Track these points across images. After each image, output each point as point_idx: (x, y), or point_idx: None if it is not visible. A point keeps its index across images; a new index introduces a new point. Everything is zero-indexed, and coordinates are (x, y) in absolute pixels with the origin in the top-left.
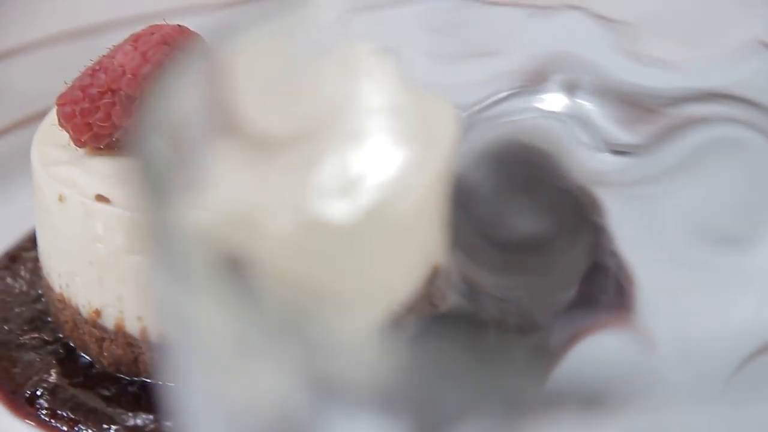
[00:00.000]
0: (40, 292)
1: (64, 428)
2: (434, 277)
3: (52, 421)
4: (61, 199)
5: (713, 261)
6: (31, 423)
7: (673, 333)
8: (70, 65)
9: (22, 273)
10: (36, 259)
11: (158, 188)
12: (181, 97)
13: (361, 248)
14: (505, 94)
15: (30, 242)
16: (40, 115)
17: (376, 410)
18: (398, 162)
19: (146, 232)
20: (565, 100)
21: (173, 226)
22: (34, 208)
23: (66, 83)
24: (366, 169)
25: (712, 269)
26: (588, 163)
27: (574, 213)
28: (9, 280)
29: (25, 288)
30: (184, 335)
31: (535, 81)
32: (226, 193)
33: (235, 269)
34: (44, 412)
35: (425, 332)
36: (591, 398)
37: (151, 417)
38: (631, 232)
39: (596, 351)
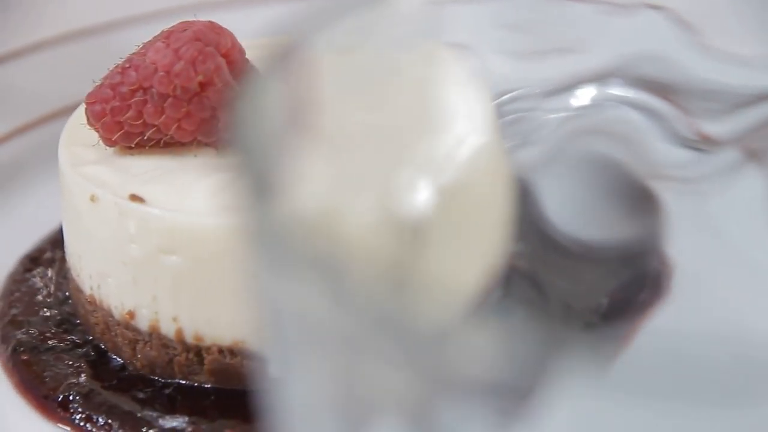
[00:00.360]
0: (67, 294)
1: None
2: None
3: (87, 425)
4: (92, 199)
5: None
6: (65, 428)
7: (726, 332)
8: (80, 65)
9: (48, 275)
10: (59, 261)
11: (257, 187)
12: (268, 97)
13: (440, 238)
14: (579, 90)
15: (50, 243)
16: (53, 116)
17: (482, 397)
18: (472, 154)
19: (248, 230)
20: (638, 96)
21: (274, 223)
22: (61, 209)
23: (94, 81)
24: (443, 161)
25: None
26: (657, 158)
27: (635, 221)
28: (33, 282)
29: (51, 290)
30: (293, 332)
31: (611, 78)
32: (313, 189)
33: (331, 265)
34: (78, 416)
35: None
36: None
37: (186, 419)
38: (690, 229)
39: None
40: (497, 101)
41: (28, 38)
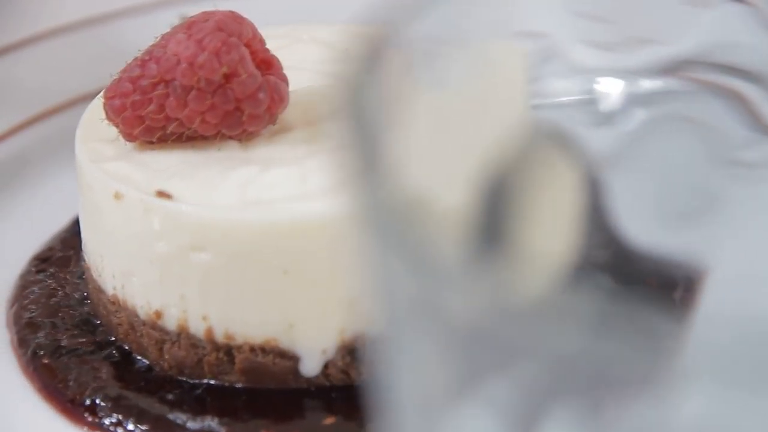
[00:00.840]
0: (85, 294)
1: None
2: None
3: (118, 430)
4: (116, 196)
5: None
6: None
7: None
8: (82, 57)
9: (63, 275)
10: (73, 260)
11: (369, 167)
12: (368, 82)
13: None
14: (659, 77)
15: (60, 242)
16: (57, 109)
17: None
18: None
19: (362, 210)
20: (718, 82)
21: (386, 203)
22: (78, 207)
23: (112, 75)
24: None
25: None
26: (736, 143)
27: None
28: (46, 282)
29: (67, 290)
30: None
31: (691, 65)
32: (411, 171)
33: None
34: (108, 421)
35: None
36: None
37: (219, 420)
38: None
39: None
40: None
41: (28, 30)
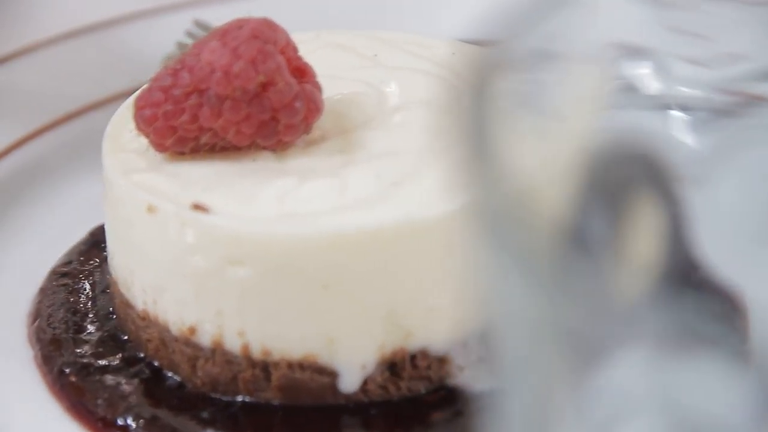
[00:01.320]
0: (110, 309)
1: None
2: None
3: None
4: (150, 210)
5: None
6: None
7: None
8: (87, 64)
9: (84, 289)
10: (92, 273)
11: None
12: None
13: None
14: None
15: (79, 255)
16: (68, 117)
17: None
18: None
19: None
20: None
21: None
22: (108, 220)
23: (131, 80)
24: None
25: None
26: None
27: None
28: (68, 297)
29: (90, 305)
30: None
31: None
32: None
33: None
34: None
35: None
36: None
37: None
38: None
39: None
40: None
41: (34, 36)
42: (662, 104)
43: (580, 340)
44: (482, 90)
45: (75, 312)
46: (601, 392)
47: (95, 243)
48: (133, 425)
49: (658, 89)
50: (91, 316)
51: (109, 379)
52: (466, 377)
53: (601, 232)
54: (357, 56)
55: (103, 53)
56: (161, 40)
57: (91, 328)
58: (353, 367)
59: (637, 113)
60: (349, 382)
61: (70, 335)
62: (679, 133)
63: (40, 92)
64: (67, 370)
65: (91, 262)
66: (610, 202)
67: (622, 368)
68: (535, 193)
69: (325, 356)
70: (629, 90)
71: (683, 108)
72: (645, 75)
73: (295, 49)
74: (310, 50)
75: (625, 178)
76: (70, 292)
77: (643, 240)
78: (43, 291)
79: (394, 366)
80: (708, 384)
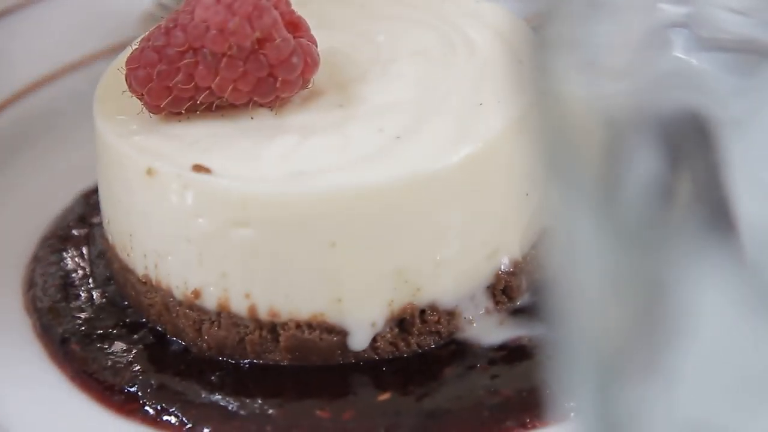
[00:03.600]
0: (108, 275)
1: (177, 423)
2: None
3: (163, 417)
4: (150, 173)
5: None
6: (137, 421)
7: None
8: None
9: (77, 255)
10: (85, 239)
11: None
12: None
13: None
14: None
15: (69, 221)
16: (51, 77)
17: None
18: None
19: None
20: None
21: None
22: (103, 185)
23: (132, 47)
24: None
25: None
26: None
27: None
28: (62, 264)
29: (87, 271)
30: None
31: None
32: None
33: None
34: (152, 409)
35: None
36: None
37: (269, 402)
38: None
39: None
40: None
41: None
42: (706, 46)
43: (656, 288)
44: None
45: (71, 279)
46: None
47: (86, 209)
48: (141, 393)
49: (702, 32)
50: (87, 282)
51: (113, 346)
52: (476, 330)
53: (659, 176)
54: (349, 7)
55: (77, 13)
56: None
57: (88, 294)
58: (363, 324)
59: (681, 57)
60: (359, 340)
61: (68, 303)
62: (721, 75)
63: (15, 55)
64: (70, 339)
65: (84, 227)
66: (662, 148)
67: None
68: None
69: (334, 315)
70: (672, 33)
71: (725, 50)
72: (687, 17)
73: (288, 3)
74: (301, 3)
75: (673, 124)
76: (64, 259)
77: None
78: (36, 258)
79: (403, 322)
80: None
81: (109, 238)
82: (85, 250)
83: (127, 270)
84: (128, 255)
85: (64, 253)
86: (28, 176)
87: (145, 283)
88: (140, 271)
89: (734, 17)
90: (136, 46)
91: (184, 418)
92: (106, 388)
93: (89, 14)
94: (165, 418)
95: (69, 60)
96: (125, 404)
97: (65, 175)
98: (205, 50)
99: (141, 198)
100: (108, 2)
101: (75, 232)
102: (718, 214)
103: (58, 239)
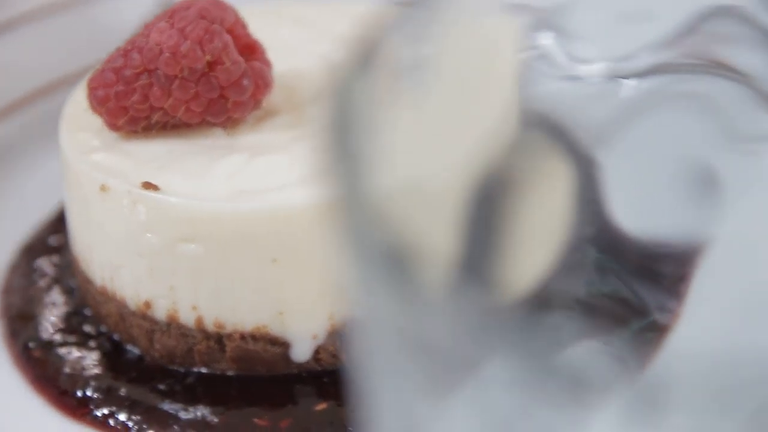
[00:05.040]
0: (72, 285)
1: (122, 428)
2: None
3: (109, 421)
4: (103, 189)
5: None
6: (86, 425)
7: None
8: (61, 41)
9: (52, 265)
10: (59, 250)
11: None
12: (355, 83)
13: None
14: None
15: (49, 231)
16: (38, 94)
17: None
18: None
19: (339, 217)
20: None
21: (365, 210)
22: (65, 198)
23: (96, 67)
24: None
25: None
26: (738, 121)
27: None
28: (36, 273)
29: (56, 281)
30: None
31: (696, 41)
32: (397, 165)
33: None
34: (100, 413)
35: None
36: None
37: (211, 409)
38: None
39: None
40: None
41: (4, 13)
42: (563, 67)
43: (441, 354)
44: (357, 74)
45: (41, 287)
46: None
47: (63, 219)
48: (93, 397)
49: (557, 51)
50: (56, 291)
51: (72, 352)
52: None
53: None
54: (314, 30)
55: (73, 30)
56: (135, 17)
57: (57, 303)
58: (304, 336)
59: (537, 76)
60: (301, 352)
61: (36, 310)
62: (582, 98)
63: (13, 69)
64: (32, 345)
65: (61, 238)
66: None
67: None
68: (409, 191)
69: (276, 327)
70: (527, 53)
71: (586, 71)
72: (544, 36)
73: (244, 27)
74: (266, 24)
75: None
76: (39, 268)
77: (539, 237)
78: (13, 267)
79: (345, 335)
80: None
81: (73, 250)
82: (57, 260)
83: (87, 281)
84: (88, 267)
85: (39, 262)
86: (14, 186)
87: (102, 293)
88: (98, 282)
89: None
90: (99, 67)
91: (128, 423)
92: (61, 393)
93: (85, 32)
94: (111, 422)
95: (64, 72)
96: (77, 408)
97: (50, 186)
98: (159, 72)
99: (96, 213)
100: (100, 22)
101: (49, 243)
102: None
103: (32, 250)
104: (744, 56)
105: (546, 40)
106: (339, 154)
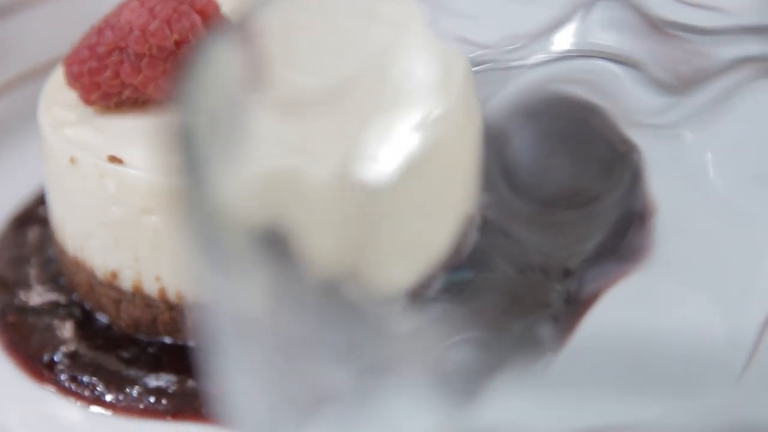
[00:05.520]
0: (50, 255)
1: (85, 393)
2: (467, 229)
3: (72, 385)
4: (72, 161)
5: (751, 208)
6: (51, 388)
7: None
8: (58, 23)
9: (36, 235)
10: (44, 221)
11: (197, 158)
12: (217, 63)
13: (398, 205)
14: (546, 34)
15: (36, 203)
16: (32, 74)
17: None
18: (431, 116)
19: (182, 205)
20: (605, 38)
21: (212, 201)
22: (43, 171)
23: (71, 43)
24: (399, 125)
25: (749, 216)
26: (629, 103)
27: (612, 164)
28: (21, 242)
29: (38, 250)
30: (221, 310)
31: (576, 19)
32: (267, 153)
33: (271, 242)
34: (64, 377)
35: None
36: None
37: (172, 378)
38: (668, 175)
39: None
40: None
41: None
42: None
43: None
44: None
45: (22, 256)
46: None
47: None
48: (59, 363)
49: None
50: (37, 261)
51: (44, 319)
52: None
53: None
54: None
55: (74, 13)
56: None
57: (35, 272)
58: None
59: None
60: None
61: (16, 278)
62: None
63: (9, 48)
64: (8, 311)
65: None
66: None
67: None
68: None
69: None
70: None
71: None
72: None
73: (216, 7)
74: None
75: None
76: (23, 238)
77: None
78: (2, 235)
79: None
80: None
81: (51, 221)
82: (42, 230)
83: (62, 251)
84: (62, 237)
85: (26, 232)
86: (5, 158)
87: (74, 263)
88: (71, 251)
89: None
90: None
91: (90, 387)
92: (30, 357)
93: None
94: (73, 387)
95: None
96: (44, 372)
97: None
98: (129, 50)
99: (67, 184)
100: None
101: (40, 212)
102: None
103: (19, 220)
104: (628, 41)
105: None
106: (197, 138)
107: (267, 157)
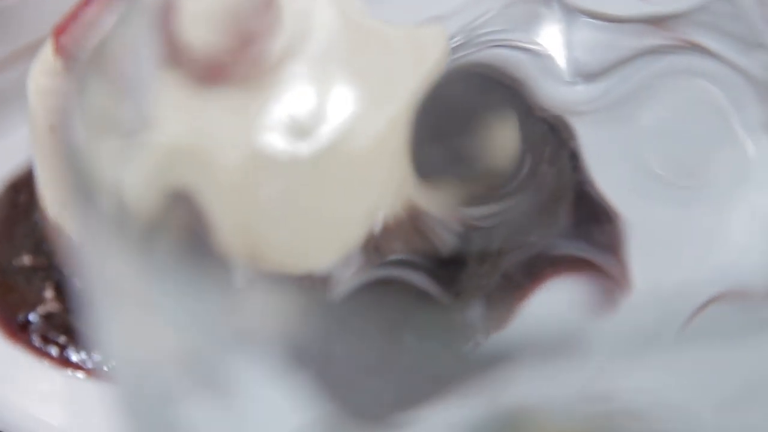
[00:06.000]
0: (35, 219)
1: (54, 353)
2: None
3: (45, 346)
4: (52, 129)
5: (680, 195)
6: (24, 348)
7: (641, 274)
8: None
9: (32, 200)
10: (34, 186)
11: (96, 134)
12: (123, 30)
13: (313, 186)
14: (475, 21)
15: (29, 168)
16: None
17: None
18: (355, 96)
19: (75, 182)
20: (533, 25)
21: (105, 181)
22: (30, 138)
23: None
24: (320, 103)
25: (683, 204)
26: (556, 89)
27: (549, 139)
28: (15, 206)
29: (24, 215)
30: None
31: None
32: (173, 128)
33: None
34: (35, 336)
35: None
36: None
37: None
38: (602, 162)
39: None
40: None
41: None
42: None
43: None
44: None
45: (15, 218)
46: None
47: None
48: (33, 324)
49: None
50: (26, 225)
51: (25, 281)
52: None
53: None
54: None
55: None
56: None
57: (23, 235)
58: None
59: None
60: None
61: (8, 242)
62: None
63: (18, 17)
64: None
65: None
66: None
67: None
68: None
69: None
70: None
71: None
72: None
73: None
74: None
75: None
76: (16, 199)
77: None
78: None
79: None
80: None
81: (38, 185)
82: (26, 196)
83: (45, 216)
84: (46, 201)
85: (20, 194)
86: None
87: (54, 228)
88: (52, 216)
89: None
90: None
91: (60, 345)
92: (7, 317)
93: None
94: (46, 347)
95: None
96: (19, 333)
97: None
98: None
99: (47, 152)
100: None
101: (31, 179)
102: None
103: (17, 186)
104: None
105: None
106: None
107: (173, 134)
